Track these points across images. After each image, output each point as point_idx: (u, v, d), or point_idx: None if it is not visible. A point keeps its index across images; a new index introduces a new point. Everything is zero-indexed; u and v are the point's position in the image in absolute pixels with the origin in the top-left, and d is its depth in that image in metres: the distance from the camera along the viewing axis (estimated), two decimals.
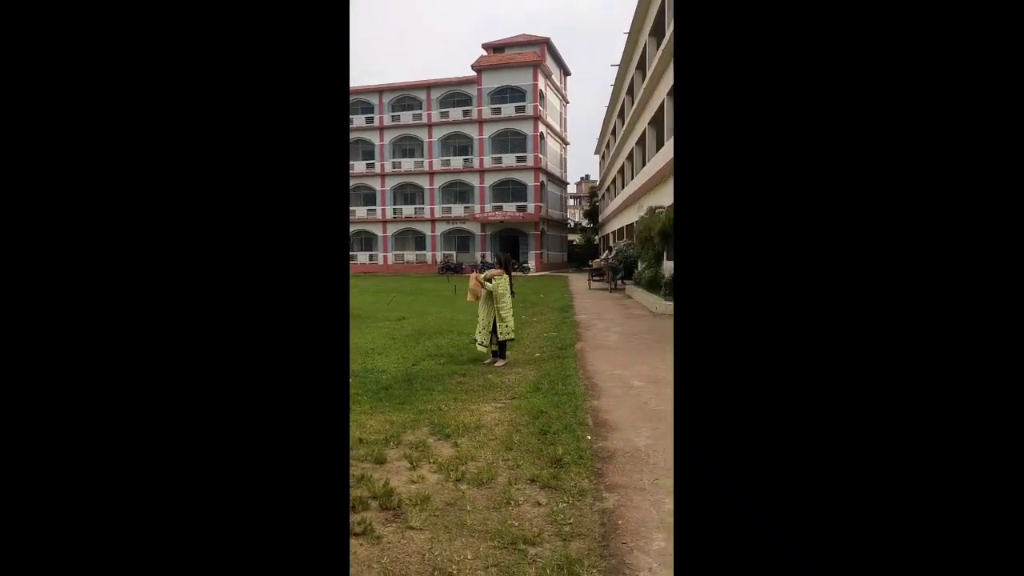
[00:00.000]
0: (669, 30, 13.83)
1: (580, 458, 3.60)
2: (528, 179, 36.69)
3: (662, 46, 15.07)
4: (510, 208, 36.44)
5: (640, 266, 17.06)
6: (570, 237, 46.66)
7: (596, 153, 44.91)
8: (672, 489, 3.25)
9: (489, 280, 6.80)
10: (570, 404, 4.82)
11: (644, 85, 18.32)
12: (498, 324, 6.77)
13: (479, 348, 6.91)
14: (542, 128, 37.34)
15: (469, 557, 2.50)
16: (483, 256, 35.92)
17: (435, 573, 2.38)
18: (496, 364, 6.73)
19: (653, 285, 14.64)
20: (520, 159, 36.57)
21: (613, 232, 31.11)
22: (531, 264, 35.26)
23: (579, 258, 42.26)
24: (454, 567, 2.42)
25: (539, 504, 3.01)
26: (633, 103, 22.91)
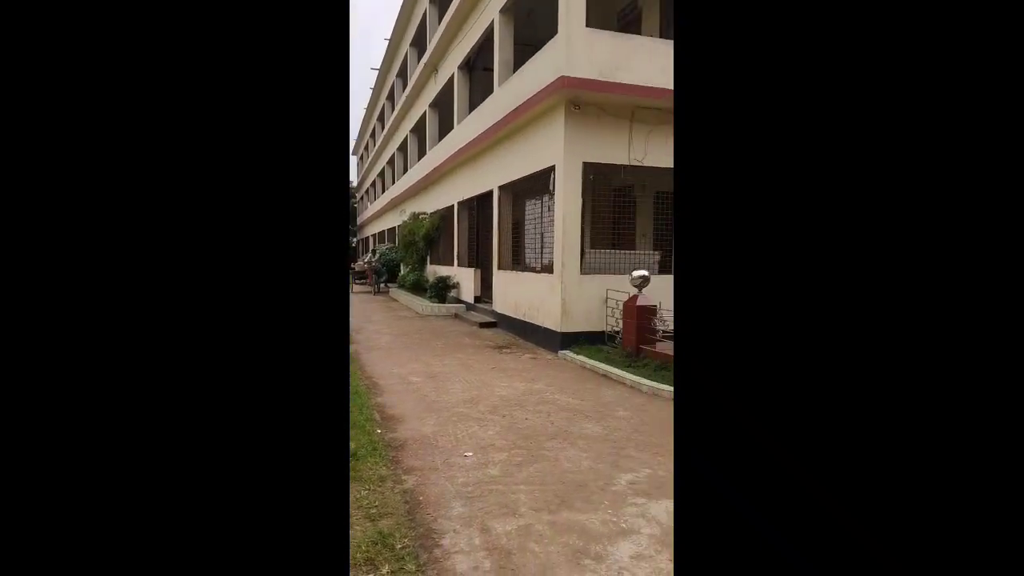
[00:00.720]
0: (432, 44, 14.53)
1: (374, 450, 3.79)
2: None
3: (423, 59, 15.73)
4: None
5: (404, 269, 17.45)
6: None
7: (354, 154, 44.09)
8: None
9: None
10: (355, 402, 4.93)
11: (406, 94, 18.81)
12: None
13: None
14: None
15: None
16: None
17: None
18: None
19: (417, 288, 15.17)
20: None
21: (374, 235, 31.00)
22: None
23: None
24: None
25: None
26: (394, 109, 23.24)
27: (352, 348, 7.97)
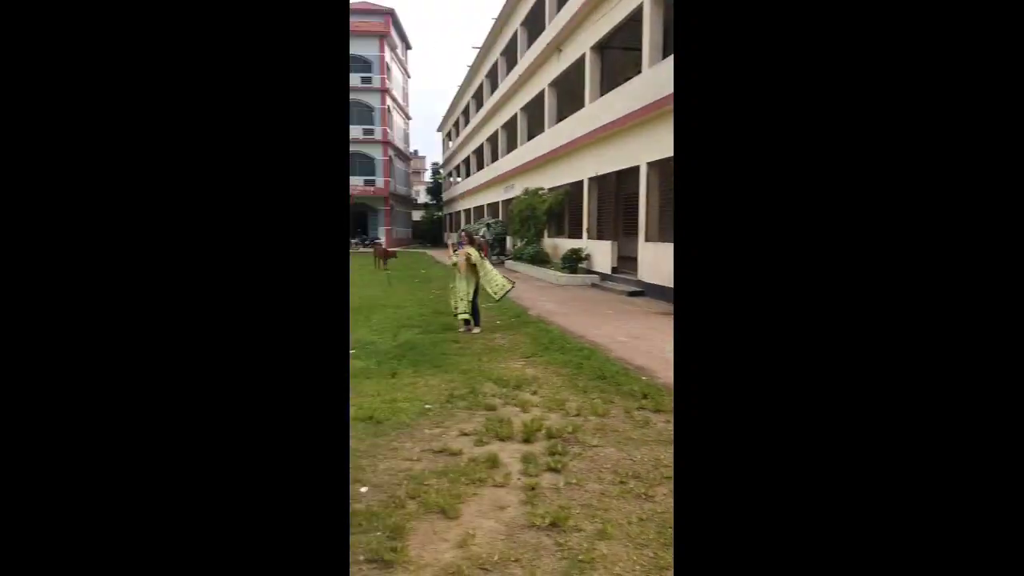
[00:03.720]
0: (555, 25, 15.01)
1: (659, 391, 4.58)
2: (377, 153, 35.91)
3: (541, 39, 16.18)
4: (358, 182, 35.41)
5: (517, 242, 18.28)
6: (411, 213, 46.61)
7: (440, 130, 45.22)
8: None
9: (468, 257, 7.35)
10: (595, 357, 5.74)
11: (518, 72, 19.35)
12: (487, 287, 7.38)
13: (462, 317, 7.47)
14: (389, 101, 36.69)
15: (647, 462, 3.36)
16: None
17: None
18: (473, 331, 7.36)
19: (536, 260, 15.96)
20: (367, 132, 35.58)
21: (466, 210, 32.03)
22: (382, 240, 34.83)
23: (424, 234, 42.54)
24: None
25: (668, 423, 3.95)
26: (494, 87, 23.84)
27: (532, 313, 8.85)
